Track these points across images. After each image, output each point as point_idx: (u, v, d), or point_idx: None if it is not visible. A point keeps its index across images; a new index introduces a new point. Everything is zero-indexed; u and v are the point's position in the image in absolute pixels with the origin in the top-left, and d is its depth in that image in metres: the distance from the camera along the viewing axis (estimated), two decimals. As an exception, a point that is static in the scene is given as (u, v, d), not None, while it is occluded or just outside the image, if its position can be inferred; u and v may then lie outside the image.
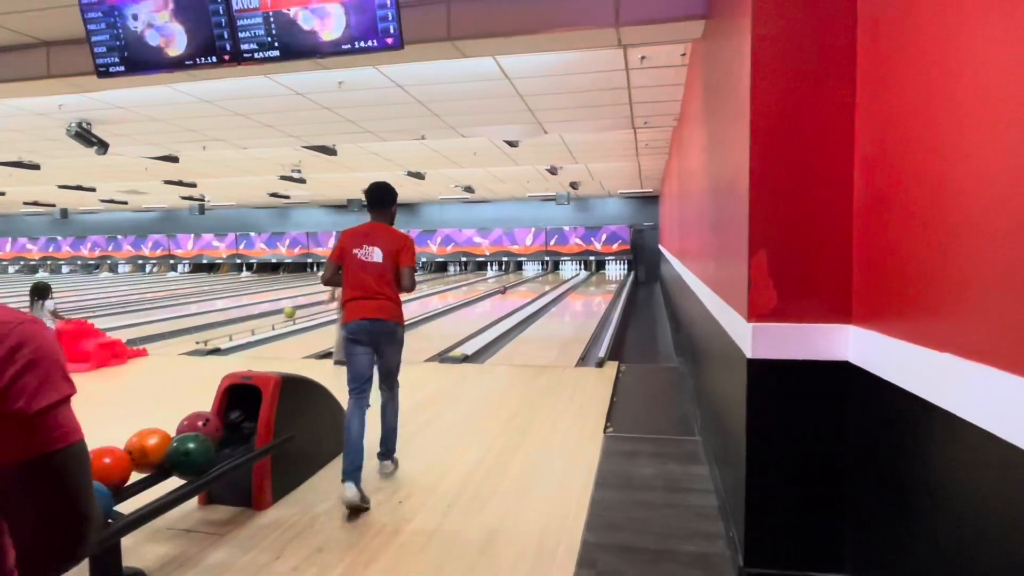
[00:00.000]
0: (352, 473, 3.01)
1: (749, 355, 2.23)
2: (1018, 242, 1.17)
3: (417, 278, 3.43)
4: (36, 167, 11.09)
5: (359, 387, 3.22)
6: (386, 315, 3.21)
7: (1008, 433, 1.18)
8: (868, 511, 1.96)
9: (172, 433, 2.78)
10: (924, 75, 1.56)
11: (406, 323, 3.49)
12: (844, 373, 2.09)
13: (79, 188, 15.61)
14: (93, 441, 2.71)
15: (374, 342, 3.25)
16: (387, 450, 3.45)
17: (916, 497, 1.60)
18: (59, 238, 27.13)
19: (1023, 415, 1.14)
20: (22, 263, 27.41)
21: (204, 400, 3.30)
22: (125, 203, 20.93)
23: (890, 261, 1.81)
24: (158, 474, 2.64)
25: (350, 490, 2.96)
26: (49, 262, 27.34)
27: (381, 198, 3.37)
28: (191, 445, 2.66)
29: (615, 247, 21.62)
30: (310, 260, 24.42)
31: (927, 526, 1.53)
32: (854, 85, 2.08)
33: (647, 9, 3.88)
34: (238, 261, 25.46)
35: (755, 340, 2.21)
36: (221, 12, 3.16)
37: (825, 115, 2.13)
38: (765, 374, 2.22)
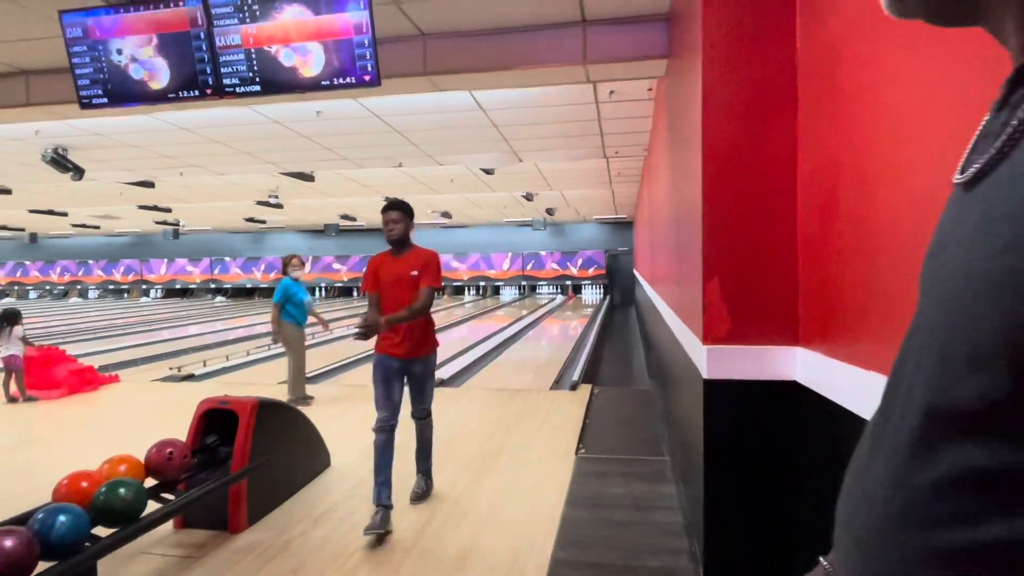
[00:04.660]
0: None
1: (705, 376, 2.37)
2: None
3: None
4: (8, 191, 11.00)
5: None
6: None
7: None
8: (818, 523, 2.09)
9: (142, 460, 2.82)
10: (852, 119, 1.74)
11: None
12: (792, 392, 2.24)
13: (51, 213, 15.43)
14: (68, 466, 2.75)
15: None
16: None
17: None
18: (27, 263, 26.58)
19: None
20: (-13, 288, 26.81)
21: (176, 426, 3.34)
22: (97, 227, 20.67)
23: (828, 288, 1.97)
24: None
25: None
26: (16, 287, 26.73)
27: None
28: (111, 497, 2.45)
29: (591, 272, 21.90)
30: (286, 285, 24.20)
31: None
32: (795, 125, 2.26)
33: (613, 49, 4.10)
34: (212, 286, 25.19)
35: (710, 361, 2.35)
36: (204, 49, 3.28)
37: (770, 151, 2.30)
38: (720, 394, 2.36)
